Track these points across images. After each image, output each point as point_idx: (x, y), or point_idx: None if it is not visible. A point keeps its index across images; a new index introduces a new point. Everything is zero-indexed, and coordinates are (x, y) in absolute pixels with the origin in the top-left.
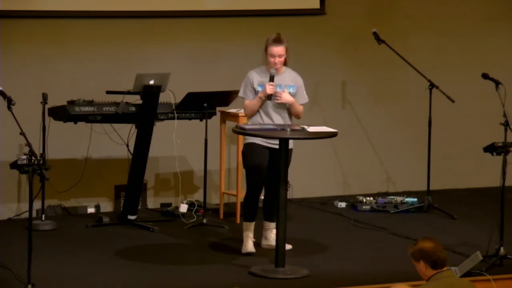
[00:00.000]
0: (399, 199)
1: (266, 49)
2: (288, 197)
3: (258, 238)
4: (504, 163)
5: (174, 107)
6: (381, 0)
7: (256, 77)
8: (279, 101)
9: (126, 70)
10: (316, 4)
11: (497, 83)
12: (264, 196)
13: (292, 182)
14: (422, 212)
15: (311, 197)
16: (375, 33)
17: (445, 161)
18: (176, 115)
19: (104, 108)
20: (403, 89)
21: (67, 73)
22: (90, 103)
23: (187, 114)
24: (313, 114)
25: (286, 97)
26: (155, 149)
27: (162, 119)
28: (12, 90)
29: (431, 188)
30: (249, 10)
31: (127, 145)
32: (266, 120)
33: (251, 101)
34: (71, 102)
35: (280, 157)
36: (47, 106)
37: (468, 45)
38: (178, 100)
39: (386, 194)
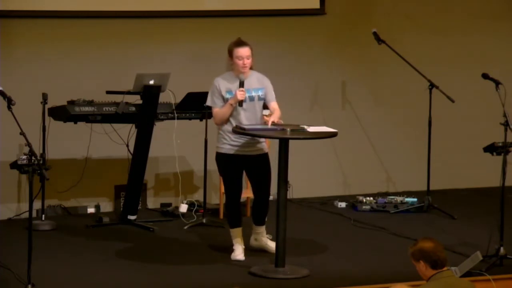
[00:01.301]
0: (399, 199)
1: (230, 54)
2: (288, 197)
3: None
4: (504, 163)
5: (174, 107)
6: (381, 0)
7: (224, 84)
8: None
9: (126, 70)
10: (316, 4)
11: (497, 83)
12: (254, 201)
13: (292, 182)
14: (422, 212)
15: (311, 197)
16: (375, 33)
17: (445, 161)
18: (176, 115)
19: (104, 108)
20: (403, 89)
21: (67, 73)
22: (90, 103)
23: (187, 114)
24: (313, 114)
25: (274, 118)
26: (155, 149)
27: (162, 119)
28: (12, 90)
29: (431, 188)
30: (249, 10)
31: (127, 145)
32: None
33: (221, 109)
34: (71, 102)
35: (280, 157)
36: (47, 106)
37: (468, 45)
38: (178, 100)
39: (386, 194)
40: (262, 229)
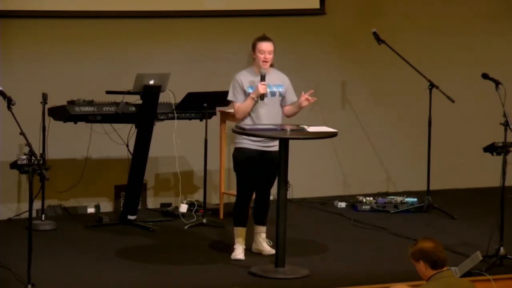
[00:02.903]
0: (399, 199)
1: (253, 48)
2: (288, 197)
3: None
4: (504, 163)
5: (174, 107)
6: (381, 0)
7: (245, 79)
8: (311, 102)
9: (126, 70)
10: (316, 4)
11: (497, 83)
12: (255, 200)
13: (292, 182)
14: (422, 212)
15: (311, 197)
16: (375, 33)
17: (445, 161)
18: (176, 115)
19: (104, 108)
20: (403, 89)
21: (67, 73)
22: (90, 103)
23: (187, 114)
24: (313, 114)
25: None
26: (155, 149)
27: (162, 119)
28: (12, 90)
29: (431, 188)
30: (249, 10)
31: (127, 145)
32: (258, 123)
33: (242, 103)
34: (71, 102)
35: (280, 157)
36: (47, 106)
37: (468, 45)
38: (178, 100)
39: (386, 194)
40: (262, 229)
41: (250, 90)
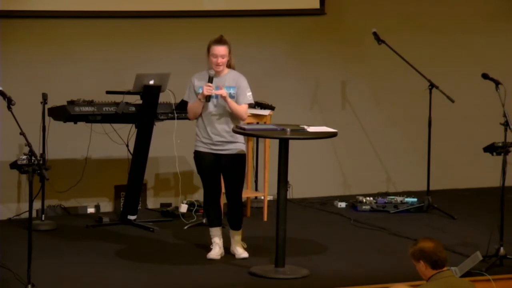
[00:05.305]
0: (399, 199)
1: (208, 51)
2: (288, 197)
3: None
4: (504, 163)
5: (174, 107)
6: (381, 0)
7: (198, 80)
8: (215, 93)
9: (126, 70)
10: (316, 4)
11: (497, 83)
12: (227, 206)
13: (292, 182)
14: (422, 212)
15: (311, 197)
16: (375, 33)
17: (445, 161)
18: (176, 115)
19: (104, 108)
20: (403, 89)
21: (67, 73)
22: (90, 103)
23: (187, 114)
24: (313, 114)
25: (222, 92)
26: (155, 149)
27: (162, 119)
28: (12, 90)
29: (431, 188)
30: (249, 10)
31: (127, 145)
32: (210, 129)
33: (192, 104)
34: (71, 102)
35: (280, 157)
36: (47, 106)
37: (468, 45)
38: (178, 100)
39: (386, 194)
40: (235, 233)
41: (200, 91)
